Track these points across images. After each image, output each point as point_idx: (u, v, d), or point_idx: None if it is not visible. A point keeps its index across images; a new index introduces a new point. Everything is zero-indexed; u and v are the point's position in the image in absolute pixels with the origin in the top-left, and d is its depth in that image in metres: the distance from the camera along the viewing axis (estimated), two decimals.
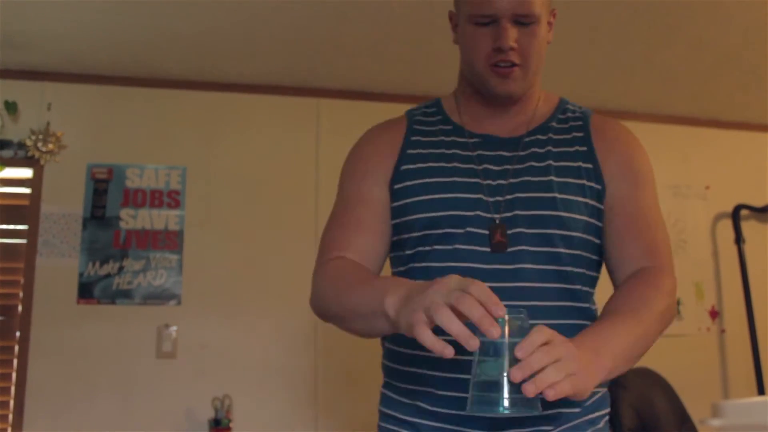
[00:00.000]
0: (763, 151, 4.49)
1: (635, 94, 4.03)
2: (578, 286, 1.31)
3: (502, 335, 0.93)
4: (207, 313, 3.45)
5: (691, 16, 3.11)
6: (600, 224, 1.34)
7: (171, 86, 3.65)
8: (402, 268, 1.36)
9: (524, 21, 1.27)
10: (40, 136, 3.40)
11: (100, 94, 3.57)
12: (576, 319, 1.28)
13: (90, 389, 3.28)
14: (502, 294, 1.16)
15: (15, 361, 3.24)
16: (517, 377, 0.92)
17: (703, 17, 3.13)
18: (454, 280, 0.96)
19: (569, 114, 1.43)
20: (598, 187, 1.34)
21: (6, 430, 3.17)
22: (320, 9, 2.97)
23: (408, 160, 1.37)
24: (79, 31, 3.13)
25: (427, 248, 1.30)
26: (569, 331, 1.19)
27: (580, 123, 1.41)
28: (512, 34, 1.26)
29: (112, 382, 3.31)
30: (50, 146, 3.40)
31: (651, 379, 3.46)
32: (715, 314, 4.19)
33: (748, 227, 4.30)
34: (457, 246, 1.28)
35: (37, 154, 3.40)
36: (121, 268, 3.42)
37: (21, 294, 3.30)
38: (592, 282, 1.36)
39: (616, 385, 3.28)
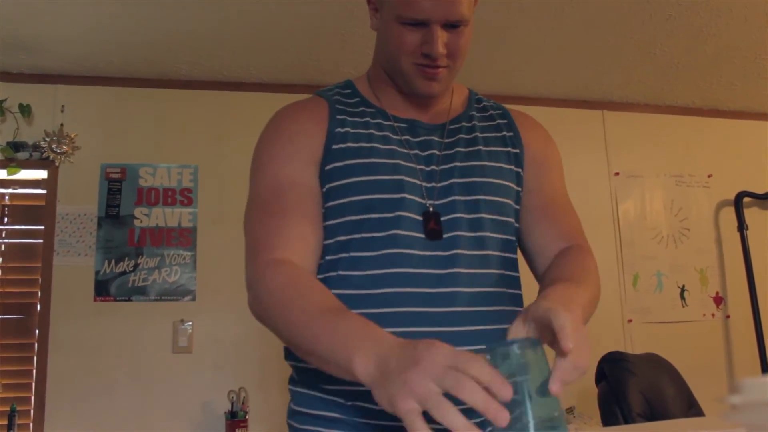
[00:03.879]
0: (764, 139, 4.51)
1: (637, 85, 4.04)
2: (510, 272, 1.30)
3: (524, 383, 0.81)
4: (221, 308, 3.46)
5: (691, 7, 3.14)
6: (518, 208, 1.35)
7: (181, 86, 3.69)
8: (330, 257, 1.23)
9: (455, 24, 1.22)
10: (54, 138, 3.44)
11: (112, 95, 3.61)
12: (510, 305, 1.26)
13: (108, 384, 3.31)
14: (439, 280, 1.18)
15: (35, 358, 3.28)
16: (557, 390, 0.83)
17: (703, 8, 3.16)
18: (442, 353, 0.81)
19: (485, 104, 1.43)
20: (521, 171, 1.36)
21: (28, 424, 3.22)
22: (330, 6, 3.00)
23: (338, 138, 1.26)
24: (90, 34, 3.17)
25: (366, 235, 1.21)
26: (503, 317, 1.20)
27: (500, 112, 1.42)
28: (443, 39, 1.22)
29: (130, 377, 3.35)
30: (64, 147, 3.45)
31: (659, 365, 3.45)
32: (719, 300, 4.21)
33: (751, 214, 4.32)
34: (396, 232, 1.20)
35: (51, 156, 3.44)
36: (136, 266, 3.45)
37: (39, 293, 3.34)
38: (517, 267, 1.34)
39: (625, 372, 3.30)
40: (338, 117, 1.29)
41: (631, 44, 3.49)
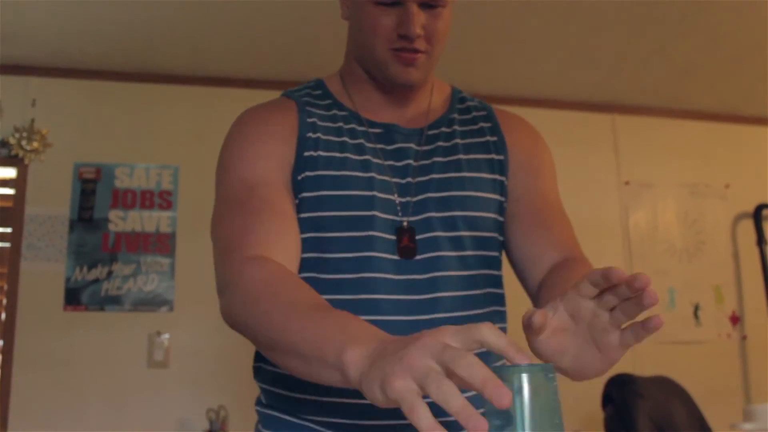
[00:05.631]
0: None
1: (651, 89, 4.02)
2: (496, 290, 1.29)
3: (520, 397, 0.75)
4: (200, 320, 3.42)
5: (708, 5, 3.10)
6: (502, 220, 1.32)
7: (162, 81, 3.65)
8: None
9: (432, 4, 1.20)
10: (25, 134, 3.38)
11: (88, 89, 3.57)
12: (497, 322, 1.27)
13: (78, 401, 3.26)
14: (418, 307, 1.16)
15: None
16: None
17: (721, 6, 3.11)
18: (444, 331, 0.75)
19: (469, 103, 1.39)
20: (504, 180, 1.33)
21: None
22: (316, 2, 2.98)
23: (309, 145, 1.22)
24: (65, 24, 3.12)
25: (334, 256, 1.17)
26: None
27: (485, 113, 1.38)
28: (420, 19, 1.19)
29: (101, 394, 3.29)
30: (35, 144, 3.40)
31: (669, 388, 3.45)
32: (735, 320, 4.18)
33: None
34: (368, 254, 1.17)
35: (21, 153, 3.38)
36: (110, 273, 3.40)
37: (5, 300, 3.29)
38: (502, 283, 1.32)
39: (632, 395, 3.26)
40: (309, 120, 1.26)
41: (643, 44, 3.46)
